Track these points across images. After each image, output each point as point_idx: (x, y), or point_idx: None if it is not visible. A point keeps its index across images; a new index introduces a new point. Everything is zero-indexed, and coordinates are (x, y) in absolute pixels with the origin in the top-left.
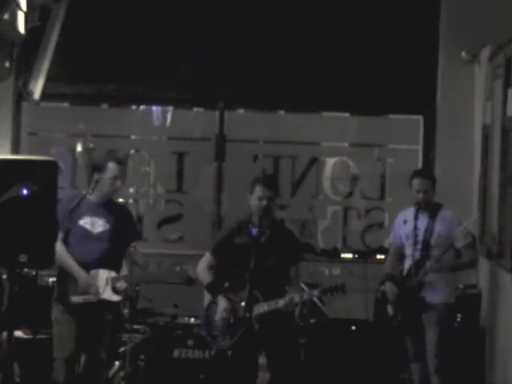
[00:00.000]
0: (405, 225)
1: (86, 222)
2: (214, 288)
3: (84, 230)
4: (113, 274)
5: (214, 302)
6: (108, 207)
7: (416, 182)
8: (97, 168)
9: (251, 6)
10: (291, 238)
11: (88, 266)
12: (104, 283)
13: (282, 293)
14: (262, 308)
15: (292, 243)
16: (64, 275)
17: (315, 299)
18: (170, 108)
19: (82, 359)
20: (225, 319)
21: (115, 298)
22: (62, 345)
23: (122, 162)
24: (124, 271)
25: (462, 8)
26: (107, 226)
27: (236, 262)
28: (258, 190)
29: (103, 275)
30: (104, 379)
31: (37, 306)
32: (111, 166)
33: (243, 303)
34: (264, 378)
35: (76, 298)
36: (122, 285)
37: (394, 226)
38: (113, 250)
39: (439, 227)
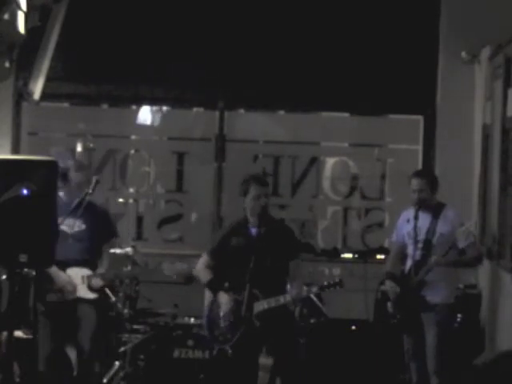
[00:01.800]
0: (408, 224)
1: (62, 224)
2: (215, 285)
3: (61, 231)
4: (88, 272)
5: (214, 301)
6: (84, 208)
7: (413, 181)
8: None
9: (251, 6)
10: (288, 233)
11: (65, 266)
12: (80, 281)
13: (282, 290)
14: (261, 306)
15: (289, 239)
16: (40, 275)
17: (315, 299)
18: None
19: (73, 357)
20: (226, 316)
21: (91, 295)
22: (41, 346)
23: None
24: (100, 269)
25: (462, 8)
26: (83, 227)
27: (234, 262)
28: (254, 189)
29: (79, 273)
30: (92, 375)
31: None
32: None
33: (244, 302)
34: (264, 378)
35: (52, 297)
36: (97, 282)
37: (397, 225)
38: (89, 250)
39: (441, 227)
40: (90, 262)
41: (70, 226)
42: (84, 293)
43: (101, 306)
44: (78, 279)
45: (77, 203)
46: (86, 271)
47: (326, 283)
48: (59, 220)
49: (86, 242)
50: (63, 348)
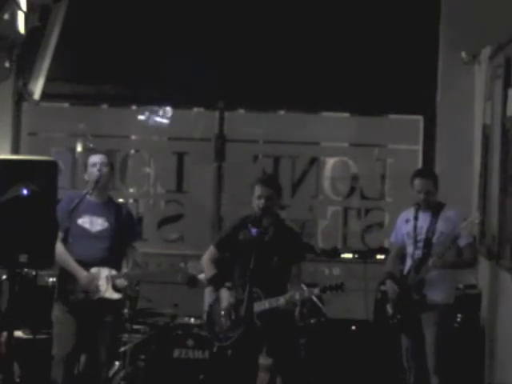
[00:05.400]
0: (407, 224)
1: (84, 221)
2: (217, 281)
3: (83, 229)
4: (113, 272)
5: (216, 299)
6: (108, 206)
7: (417, 182)
8: (84, 167)
9: (251, 6)
10: (295, 236)
11: (88, 265)
12: (104, 281)
13: (283, 291)
14: (262, 305)
15: (295, 242)
16: (65, 274)
17: (315, 299)
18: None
19: (82, 358)
20: (227, 314)
21: (116, 296)
22: (60, 344)
23: (101, 151)
24: (124, 270)
25: (461, 8)
26: (106, 225)
27: (239, 258)
28: (257, 190)
29: (104, 273)
30: (103, 379)
31: (37, 306)
32: (92, 156)
33: (244, 301)
34: (264, 378)
35: (77, 297)
36: (122, 283)
37: (396, 226)
38: (112, 249)
39: (442, 226)
40: (111, 261)
41: (92, 224)
42: (109, 294)
43: (121, 307)
44: (102, 279)
45: (76, 203)
46: (111, 271)
47: (327, 285)
48: (84, 218)
49: (108, 240)
50: (81, 348)
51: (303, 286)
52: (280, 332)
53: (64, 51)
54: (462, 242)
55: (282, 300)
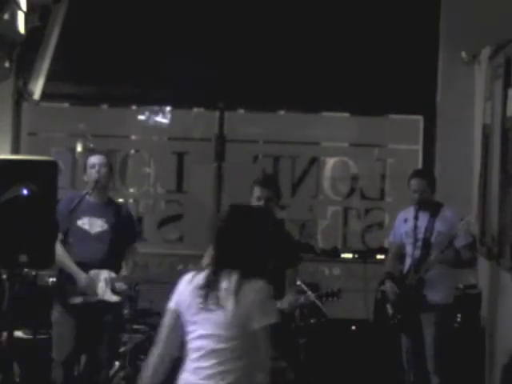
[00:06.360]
0: (405, 224)
1: (84, 223)
2: None
3: (82, 231)
4: (112, 274)
5: None
6: (107, 207)
7: (413, 182)
8: (84, 168)
9: (251, 6)
10: (290, 239)
11: (87, 267)
12: (103, 284)
13: (281, 293)
14: None
15: (291, 245)
16: (64, 276)
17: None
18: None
19: (83, 359)
20: None
21: (114, 298)
22: (60, 347)
23: (100, 152)
24: (124, 272)
25: (461, 8)
26: (105, 227)
27: None
28: (256, 191)
29: (103, 276)
30: (103, 379)
31: (37, 305)
32: (91, 158)
33: None
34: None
35: (75, 299)
36: (121, 286)
37: (394, 225)
38: (112, 251)
39: (440, 226)
40: (111, 262)
41: (92, 225)
42: (108, 296)
43: (121, 308)
44: (101, 281)
45: (75, 203)
46: (110, 274)
47: (324, 292)
48: (83, 219)
49: (108, 242)
50: (81, 350)
51: (304, 287)
52: (278, 334)
53: (64, 51)
54: (459, 244)
55: (278, 305)
